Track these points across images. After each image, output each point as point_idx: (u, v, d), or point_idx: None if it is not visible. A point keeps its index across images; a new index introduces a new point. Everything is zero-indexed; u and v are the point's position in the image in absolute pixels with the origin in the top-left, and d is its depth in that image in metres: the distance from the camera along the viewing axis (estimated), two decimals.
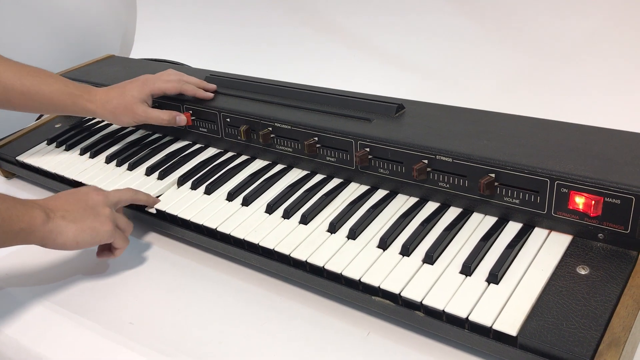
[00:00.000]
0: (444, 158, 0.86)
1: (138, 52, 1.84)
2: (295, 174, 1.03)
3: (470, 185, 0.85)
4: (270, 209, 0.94)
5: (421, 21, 1.34)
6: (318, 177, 1.01)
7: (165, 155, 1.13)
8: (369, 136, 0.93)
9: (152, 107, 1.11)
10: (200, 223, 0.94)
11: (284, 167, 1.05)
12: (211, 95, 1.13)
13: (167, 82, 1.11)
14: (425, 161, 0.88)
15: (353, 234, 0.86)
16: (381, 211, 0.90)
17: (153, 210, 1.01)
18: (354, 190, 0.96)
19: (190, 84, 1.12)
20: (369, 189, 0.96)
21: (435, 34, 1.34)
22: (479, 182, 0.83)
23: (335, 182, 0.99)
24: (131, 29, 1.92)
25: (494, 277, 0.74)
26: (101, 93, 1.09)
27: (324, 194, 0.95)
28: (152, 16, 1.86)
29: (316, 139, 0.99)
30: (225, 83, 1.18)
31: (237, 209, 0.96)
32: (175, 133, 1.18)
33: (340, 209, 0.92)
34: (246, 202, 0.97)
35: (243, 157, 1.11)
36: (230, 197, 0.99)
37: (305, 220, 0.90)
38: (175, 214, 0.97)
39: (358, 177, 0.97)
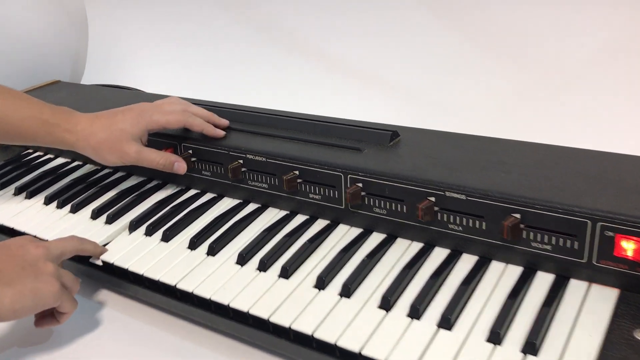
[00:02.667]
0: (455, 195, 0.71)
1: (90, 77, 1.66)
2: (272, 215, 0.86)
3: (489, 227, 0.70)
4: (243, 259, 0.77)
5: (408, 39, 1.19)
6: (299, 219, 0.85)
7: (116, 195, 0.96)
8: (362, 169, 0.77)
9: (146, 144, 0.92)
10: (156, 278, 0.76)
11: (258, 207, 0.89)
12: (222, 133, 0.92)
13: (169, 114, 0.89)
14: (432, 198, 0.73)
15: (347, 291, 0.69)
16: (379, 260, 0.74)
17: (99, 262, 0.83)
18: (344, 234, 0.80)
19: (197, 117, 0.92)
20: (362, 232, 0.80)
21: (424, 53, 1.20)
22: (500, 224, 0.67)
23: (320, 224, 0.83)
24: (82, 54, 1.74)
25: (532, 347, 0.59)
26: (84, 122, 0.88)
27: (307, 240, 0.78)
28: (104, 40, 1.69)
29: (297, 172, 0.83)
30: None
31: (202, 259, 0.79)
32: (142, 172, 1.00)
33: (328, 258, 0.75)
34: (212, 251, 0.80)
35: (208, 196, 0.94)
36: (193, 245, 0.81)
37: (286, 273, 0.74)
38: (125, 267, 0.79)
39: (348, 218, 0.81)
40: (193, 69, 1.37)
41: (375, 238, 0.78)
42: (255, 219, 0.86)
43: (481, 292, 0.67)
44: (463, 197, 0.70)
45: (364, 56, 1.23)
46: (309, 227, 0.82)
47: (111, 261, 0.81)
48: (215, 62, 1.37)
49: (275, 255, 0.77)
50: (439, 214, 0.73)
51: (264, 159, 0.85)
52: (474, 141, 0.83)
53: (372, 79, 1.21)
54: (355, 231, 0.80)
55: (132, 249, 0.83)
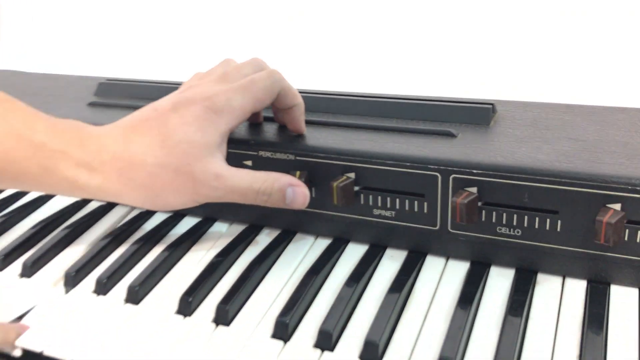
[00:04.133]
0: None
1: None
2: (305, 247, 0.54)
3: None
4: (283, 329, 0.44)
5: None
6: (354, 251, 0.52)
7: (38, 229, 0.59)
8: (476, 163, 0.46)
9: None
10: None
11: (279, 234, 0.55)
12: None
13: (259, 90, 0.50)
14: (618, 206, 0.43)
15: None
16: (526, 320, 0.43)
17: (16, 353, 0.46)
18: (441, 274, 0.49)
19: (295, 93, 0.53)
20: (472, 269, 0.49)
21: None
22: None
23: (392, 258, 0.51)
24: None
25: None
26: (111, 141, 0.48)
27: (398, 289, 0.46)
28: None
29: (352, 175, 0.50)
30: (126, 91, 0.67)
31: (211, 329, 0.45)
32: None
33: (434, 332, 0.43)
34: (225, 319, 0.46)
35: (190, 221, 0.59)
36: (186, 307, 0.47)
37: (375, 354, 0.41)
38: (59, 358, 0.44)
39: (444, 246, 0.50)
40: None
41: (499, 281, 0.47)
42: (282, 252, 0.53)
43: None
44: None
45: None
46: (375, 264, 0.50)
47: (34, 348, 0.45)
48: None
49: (337, 324, 0.44)
50: (628, 232, 0.43)
51: (287, 156, 0.52)
52: (592, 112, 0.54)
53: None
54: (459, 267, 0.49)
55: (70, 321, 0.47)
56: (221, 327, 0.46)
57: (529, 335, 0.42)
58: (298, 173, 0.52)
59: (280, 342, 0.44)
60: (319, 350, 0.43)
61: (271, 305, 0.47)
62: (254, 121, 0.57)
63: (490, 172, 0.46)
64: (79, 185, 0.47)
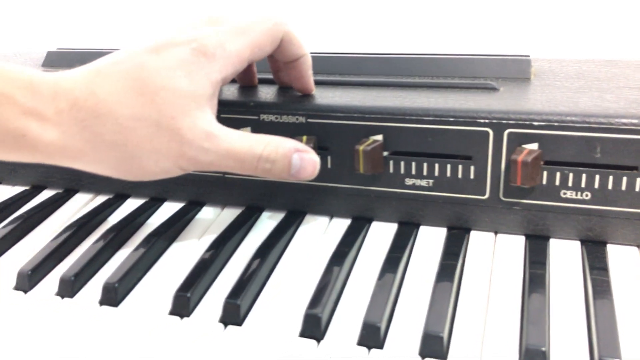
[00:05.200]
0: None
1: None
2: (321, 227, 0.44)
3: None
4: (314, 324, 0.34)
5: None
6: (382, 229, 0.43)
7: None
8: (539, 112, 0.38)
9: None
10: None
11: (290, 213, 0.46)
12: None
13: (258, 35, 0.40)
14: None
15: None
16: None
17: None
18: (492, 251, 0.40)
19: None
20: (530, 245, 0.41)
21: None
22: None
23: (429, 235, 0.42)
24: None
25: None
26: (67, 84, 0.37)
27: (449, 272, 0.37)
28: None
29: (380, 138, 0.41)
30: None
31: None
32: None
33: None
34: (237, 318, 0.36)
35: (172, 206, 0.49)
36: (184, 308, 0.37)
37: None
38: None
39: (496, 219, 0.41)
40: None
41: (565, 250, 0.39)
42: (294, 234, 0.43)
43: None
44: None
45: None
46: (407, 245, 0.42)
47: None
48: None
49: (382, 316, 0.35)
50: None
51: (297, 119, 0.43)
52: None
53: None
54: (513, 242, 0.41)
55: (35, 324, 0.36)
56: (232, 328, 0.36)
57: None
58: (305, 138, 0.42)
59: (313, 342, 0.34)
60: (364, 348, 0.34)
61: (293, 298, 0.38)
62: (248, 83, 0.48)
63: (555, 124, 0.38)
64: (28, 141, 0.36)
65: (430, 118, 0.40)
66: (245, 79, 0.47)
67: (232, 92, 0.46)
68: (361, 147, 0.41)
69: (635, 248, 0.40)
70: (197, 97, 0.37)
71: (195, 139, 0.37)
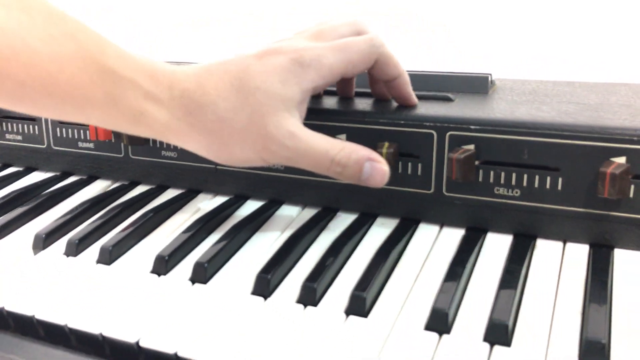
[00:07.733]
0: None
1: None
2: (291, 216, 0.51)
3: None
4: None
5: None
6: (344, 220, 0.49)
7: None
8: (474, 119, 0.44)
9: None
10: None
11: (265, 203, 0.53)
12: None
13: (352, 51, 0.46)
14: (623, 159, 0.40)
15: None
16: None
17: None
18: (433, 243, 0.46)
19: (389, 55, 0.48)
20: (466, 235, 0.46)
21: None
22: None
23: (382, 226, 0.48)
24: None
25: None
26: (183, 78, 0.44)
27: (377, 258, 0.43)
28: None
29: (344, 137, 0.48)
30: None
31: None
32: None
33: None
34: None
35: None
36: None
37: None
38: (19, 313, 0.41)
39: (438, 212, 0.47)
40: None
41: (495, 244, 0.45)
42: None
43: None
44: None
45: None
46: (363, 232, 0.47)
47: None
48: None
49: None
50: (633, 187, 0.41)
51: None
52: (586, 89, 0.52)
53: None
54: (454, 234, 0.46)
55: (43, 279, 0.44)
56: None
57: (526, 301, 0.39)
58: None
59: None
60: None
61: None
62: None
63: (489, 128, 0.44)
64: (144, 119, 0.43)
65: (386, 120, 0.47)
66: (342, 89, 0.53)
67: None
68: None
69: (561, 243, 0.44)
70: (286, 100, 0.43)
71: (278, 136, 0.43)
